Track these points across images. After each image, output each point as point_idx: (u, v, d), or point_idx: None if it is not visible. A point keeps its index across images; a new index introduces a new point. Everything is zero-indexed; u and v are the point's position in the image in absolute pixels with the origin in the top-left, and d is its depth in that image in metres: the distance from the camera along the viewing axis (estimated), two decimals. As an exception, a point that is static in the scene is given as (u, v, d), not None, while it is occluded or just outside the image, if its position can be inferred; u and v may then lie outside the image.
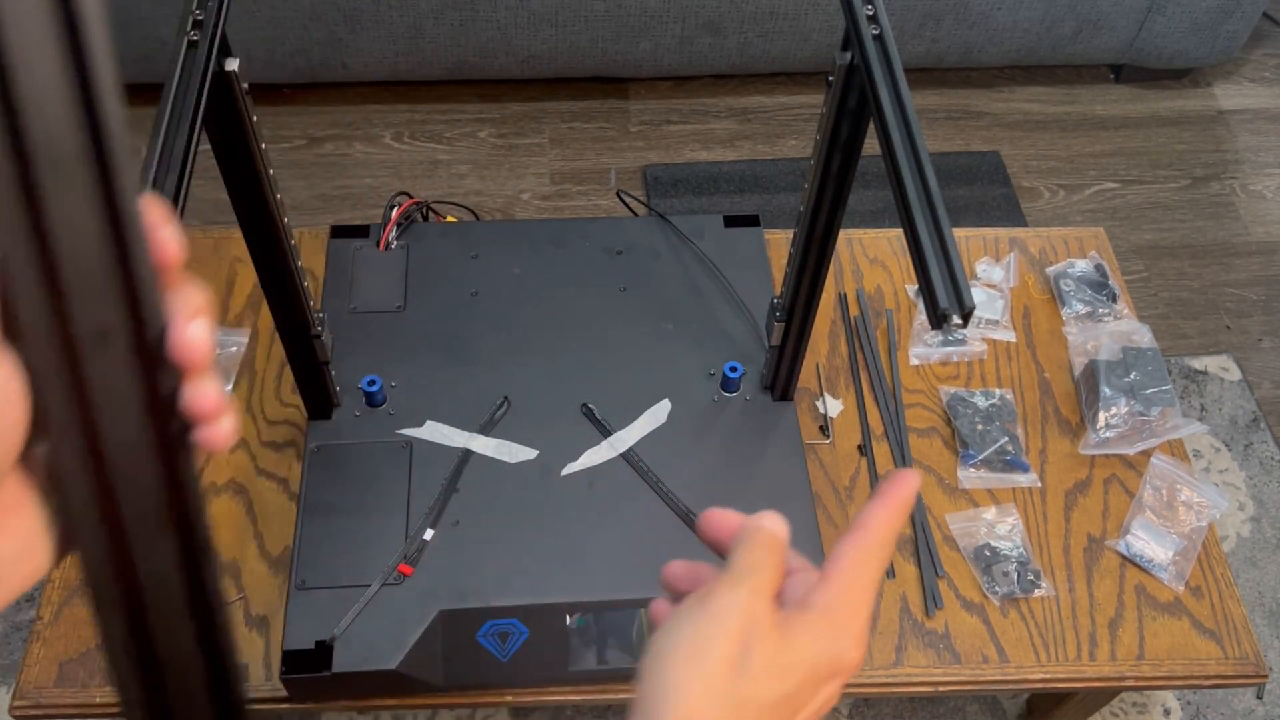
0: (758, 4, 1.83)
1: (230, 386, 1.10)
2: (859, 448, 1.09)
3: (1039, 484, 1.08)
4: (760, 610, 0.38)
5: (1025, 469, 1.08)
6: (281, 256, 0.86)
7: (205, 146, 0.74)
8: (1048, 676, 0.97)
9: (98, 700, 0.93)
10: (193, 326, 0.29)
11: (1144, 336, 1.15)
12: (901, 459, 1.08)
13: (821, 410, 1.11)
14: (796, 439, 1.04)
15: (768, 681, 0.36)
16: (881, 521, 0.41)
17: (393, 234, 1.17)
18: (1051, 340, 1.18)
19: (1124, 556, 1.03)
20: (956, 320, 0.60)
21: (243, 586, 0.98)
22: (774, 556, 0.40)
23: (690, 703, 0.35)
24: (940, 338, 1.17)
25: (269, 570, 0.99)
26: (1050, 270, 1.23)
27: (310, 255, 1.20)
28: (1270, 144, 2.02)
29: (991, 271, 1.23)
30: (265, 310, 1.16)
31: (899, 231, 1.25)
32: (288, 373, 1.11)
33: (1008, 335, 1.18)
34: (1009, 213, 1.87)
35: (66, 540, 0.31)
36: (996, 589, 1.00)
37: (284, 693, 0.92)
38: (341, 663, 0.88)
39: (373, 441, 1.01)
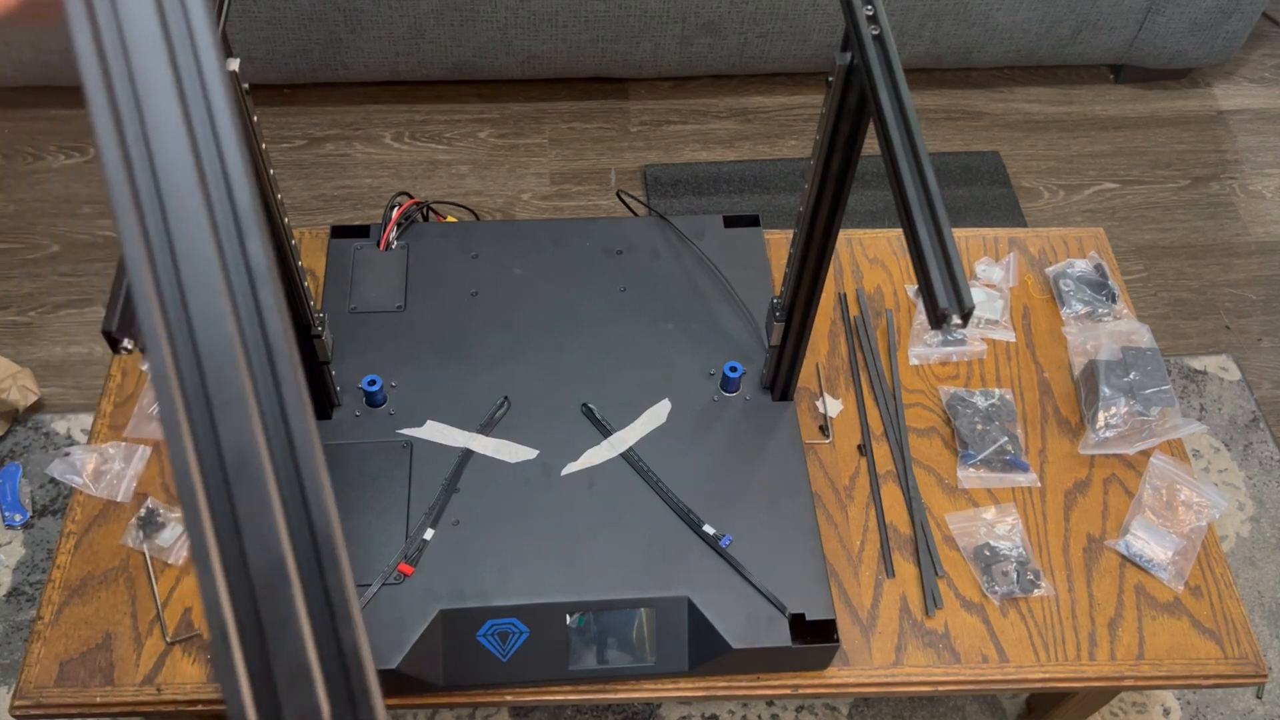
0: (757, 4, 1.83)
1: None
2: (859, 448, 1.09)
3: (1039, 484, 1.08)
4: None
5: (1025, 469, 1.08)
6: (282, 257, 0.86)
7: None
8: (1047, 676, 0.97)
9: (98, 700, 0.93)
10: None
11: (1143, 336, 1.15)
12: (901, 459, 1.08)
13: (821, 410, 1.11)
14: (796, 439, 1.04)
15: None
16: None
17: (393, 234, 1.17)
18: (1051, 340, 1.18)
19: (1123, 556, 1.03)
20: (956, 320, 0.60)
21: (243, 586, 0.98)
22: None
23: None
24: (940, 338, 1.17)
25: (269, 570, 0.99)
26: (1050, 270, 1.23)
27: (310, 255, 1.20)
28: (1269, 144, 2.02)
29: (991, 271, 1.23)
30: (266, 310, 1.16)
31: (899, 231, 1.25)
32: (288, 373, 1.11)
33: (1007, 335, 1.18)
34: (1008, 213, 1.87)
35: None
36: (996, 589, 1.00)
37: (284, 692, 0.91)
38: (342, 662, 0.88)
39: (373, 441, 1.01)
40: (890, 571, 1.02)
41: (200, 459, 0.30)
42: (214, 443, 0.30)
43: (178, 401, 0.29)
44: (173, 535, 1.00)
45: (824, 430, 1.10)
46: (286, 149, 1.91)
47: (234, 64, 0.71)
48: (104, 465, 1.04)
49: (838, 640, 0.93)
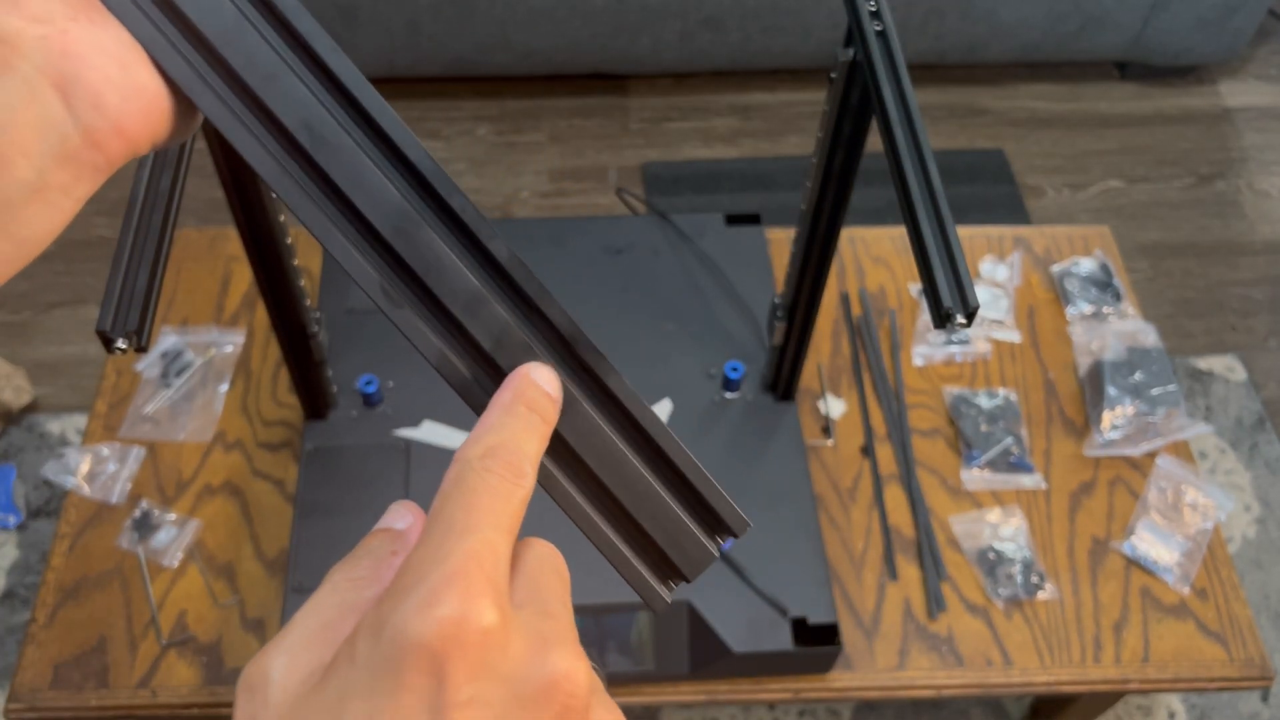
0: None
1: (226, 387, 1.09)
2: (862, 449, 1.08)
3: (1044, 485, 1.06)
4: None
5: (1030, 470, 1.07)
6: (278, 255, 0.85)
7: (201, 144, 0.73)
8: (1052, 680, 0.96)
9: (92, 704, 0.92)
10: None
11: (1149, 336, 1.14)
12: (904, 460, 1.07)
13: (824, 411, 1.10)
14: (798, 440, 1.03)
15: None
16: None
17: (390, 232, 1.15)
18: (1056, 340, 1.17)
19: (1129, 558, 1.02)
20: (960, 320, 0.59)
21: (238, 589, 0.97)
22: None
23: None
24: (944, 337, 1.16)
25: (265, 573, 0.98)
26: (1055, 269, 1.22)
27: (307, 253, 1.19)
28: (1276, 142, 2.00)
29: (996, 270, 1.22)
30: (261, 309, 1.15)
31: (902, 230, 1.24)
32: (284, 373, 1.10)
33: (1012, 335, 1.17)
34: (1013, 211, 1.86)
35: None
36: (1000, 591, 0.99)
37: (279, 696, 0.91)
38: (337, 666, 0.87)
39: (370, 442, 1.00)
40: (893, 574, 1.01)
41: (268, 143, 0.30)
42: (276, 122, 0.29)
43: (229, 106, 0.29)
44: (168, 537, 0.99)
45: (826, 431, 1.09)
46: (285, 146, 1.90)
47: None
48: (98, 466, 1.03)
49: (840, 644, 0.92)
